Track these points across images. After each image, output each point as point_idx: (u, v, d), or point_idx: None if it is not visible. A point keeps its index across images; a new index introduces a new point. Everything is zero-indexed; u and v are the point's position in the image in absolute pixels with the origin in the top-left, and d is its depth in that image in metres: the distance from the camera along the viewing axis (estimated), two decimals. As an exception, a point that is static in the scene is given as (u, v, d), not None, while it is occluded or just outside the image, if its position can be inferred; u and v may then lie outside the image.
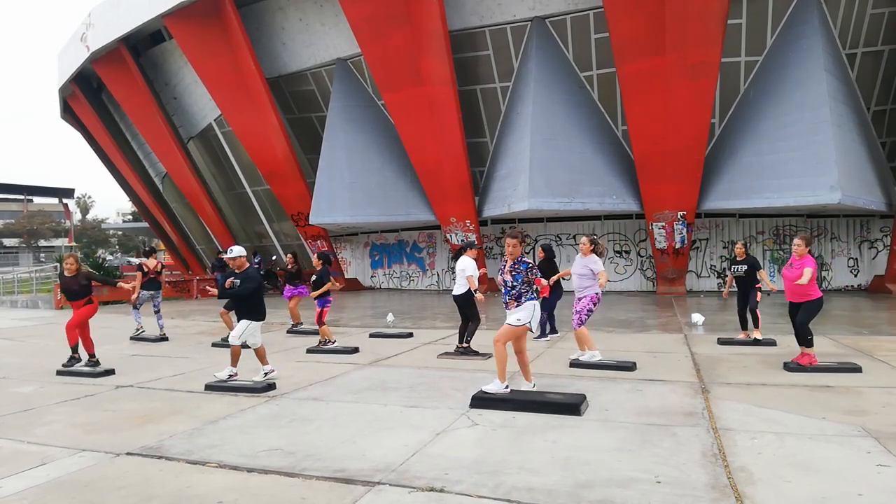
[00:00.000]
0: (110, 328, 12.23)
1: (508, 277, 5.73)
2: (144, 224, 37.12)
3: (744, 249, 9.13)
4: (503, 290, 5.78)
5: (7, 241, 68.15)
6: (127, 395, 6.46)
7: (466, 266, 8.38)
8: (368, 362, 8.01)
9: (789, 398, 5.73)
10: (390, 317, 12.78)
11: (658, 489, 3.63)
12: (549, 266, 9.71)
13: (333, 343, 9.17)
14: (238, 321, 6.88)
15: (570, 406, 5.30)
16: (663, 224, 17.66)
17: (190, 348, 9.80)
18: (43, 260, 59.80)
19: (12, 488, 3.85)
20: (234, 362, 6.77)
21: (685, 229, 17.59)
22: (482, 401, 5.55)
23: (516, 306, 5.68)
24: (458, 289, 8.50)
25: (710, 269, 19.58)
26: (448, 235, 19.97)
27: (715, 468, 3.95)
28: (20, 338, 11.59)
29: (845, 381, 6.34)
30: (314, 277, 9.55)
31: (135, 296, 10.91)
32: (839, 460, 4.07)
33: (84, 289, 8.08)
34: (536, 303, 5.76)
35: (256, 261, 24.13)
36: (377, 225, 21.43)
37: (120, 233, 66.77)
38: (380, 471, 4.00)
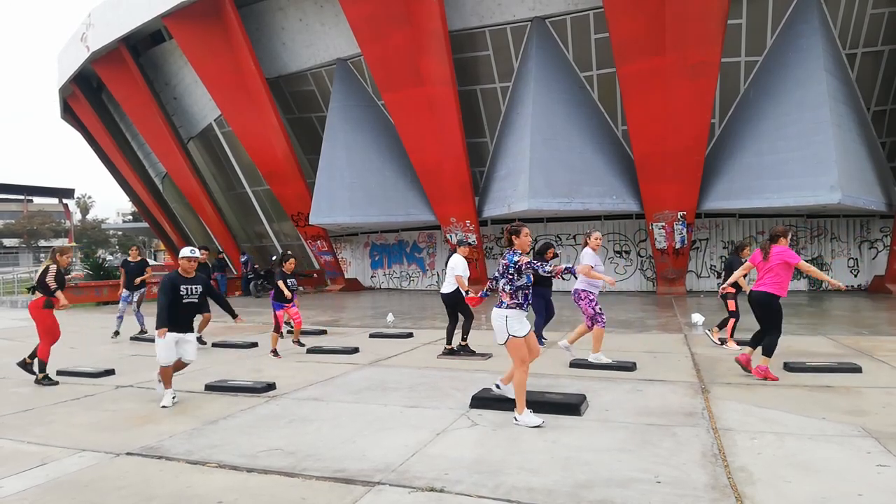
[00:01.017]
0: (109, 328, 12.21)
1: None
2: (144, 224, 37.10)
3: None
4: (531, 293, 5.17)
5: (7, 241, 68.10)
6: (127, 395, 6.46)
7: (457, 265, 8.18)
8: (368, 362, 8.01)
9: (789, 398, 5.72)
10: (390, 317, 12.78)
11: (658, 489, 3.63)
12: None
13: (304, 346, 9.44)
14: (190, 331, 6.23)
15: (570, 406, 5.30)
16: (663, 224, 17.66)
17: (190, 348, 9.78)
18: (43, 260, 59.71)
19: (12, 488, 3.86)
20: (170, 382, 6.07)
21: (685, 229, 17.58)
22: (482, 401, 5.55)
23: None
24: (447, 287, 8.31)
25: (710, 269, 19.56)
26: (448, 235, 19.96)
27: (715, 468, 3.95)
28: (20, 338, 11.57)
29: (845, 381, 6.34)
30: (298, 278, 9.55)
31: (144, 290, 11.25)
32: (839, 460, 4.07)
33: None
34: None
35: (243, 259, 24.11)
36: (377, 225, 21.42)
37: (120, 233, 66.72)
38: (380, 471, 4.00)
